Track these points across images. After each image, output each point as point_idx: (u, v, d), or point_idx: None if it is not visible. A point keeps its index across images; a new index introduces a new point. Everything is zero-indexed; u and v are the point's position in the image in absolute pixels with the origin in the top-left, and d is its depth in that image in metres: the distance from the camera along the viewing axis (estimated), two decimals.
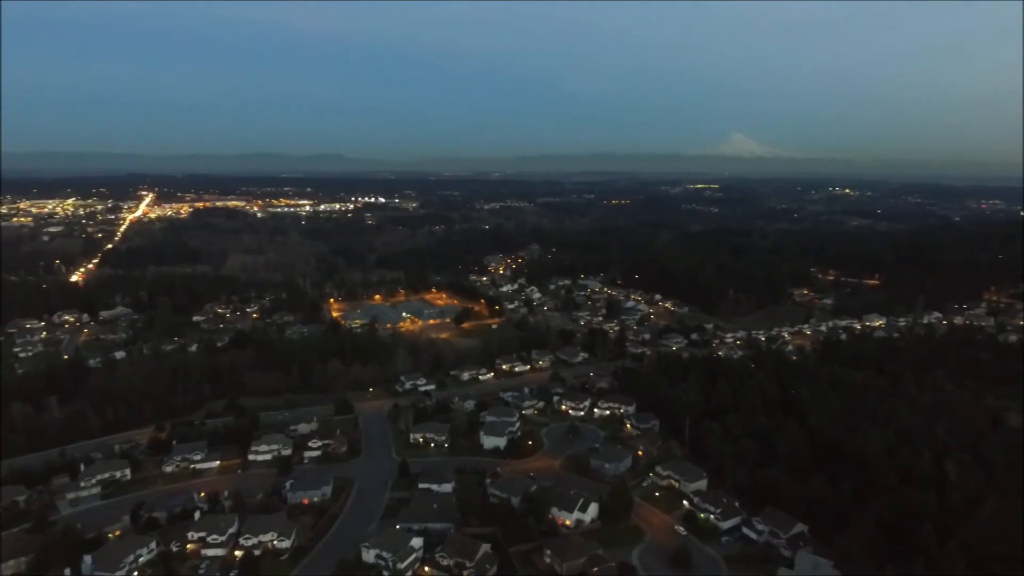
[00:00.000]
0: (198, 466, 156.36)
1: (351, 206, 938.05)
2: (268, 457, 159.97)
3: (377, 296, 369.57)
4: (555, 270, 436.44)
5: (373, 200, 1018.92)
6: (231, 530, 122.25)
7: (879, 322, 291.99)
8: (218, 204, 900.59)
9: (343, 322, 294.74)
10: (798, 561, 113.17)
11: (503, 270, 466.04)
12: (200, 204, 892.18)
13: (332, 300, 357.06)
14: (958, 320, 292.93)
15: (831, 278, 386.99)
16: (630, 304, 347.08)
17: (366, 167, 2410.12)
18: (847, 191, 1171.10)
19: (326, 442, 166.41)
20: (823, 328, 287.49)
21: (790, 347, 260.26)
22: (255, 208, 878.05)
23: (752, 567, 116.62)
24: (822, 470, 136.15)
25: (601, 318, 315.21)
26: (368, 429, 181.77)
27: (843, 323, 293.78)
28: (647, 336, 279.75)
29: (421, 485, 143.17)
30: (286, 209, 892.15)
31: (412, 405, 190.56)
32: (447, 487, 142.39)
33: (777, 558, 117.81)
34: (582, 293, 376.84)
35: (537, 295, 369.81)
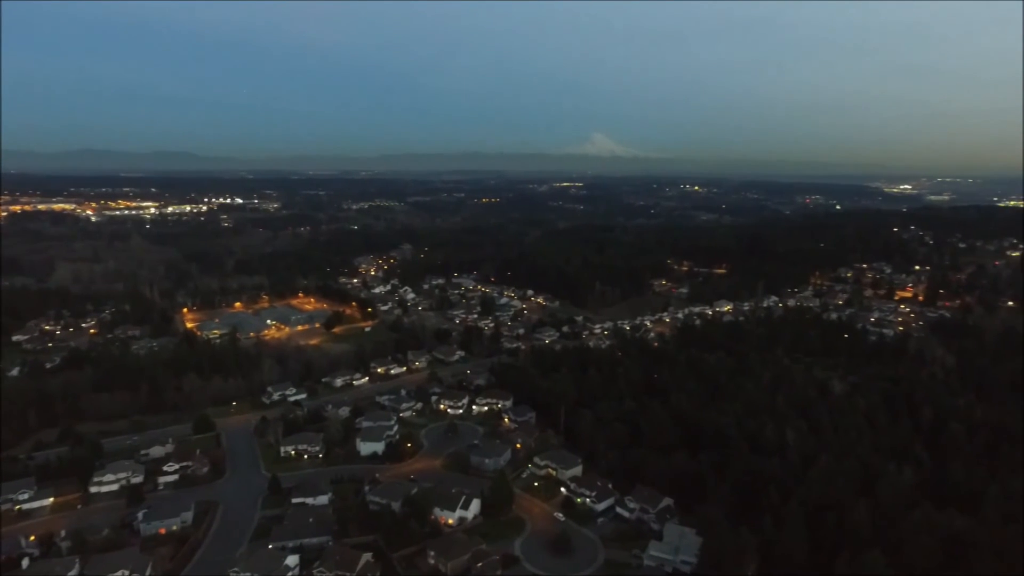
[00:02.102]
0: (25, 506, 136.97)
1: (204, 207, 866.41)
2: (115, 487, 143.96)
3: (238, 304, 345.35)
4: (428, 269, 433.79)
5: (229, 201, 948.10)
6: (71, 574, 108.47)
7: (727, 307, 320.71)
8: (40, 207, 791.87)
9: (199, 333, 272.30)
10: (666, 533, 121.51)
11: (375, 271, 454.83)
12: (17, 207, 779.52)
13: (186, 310, 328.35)
14: (791, 302, 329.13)
15: (685, 269, 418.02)
16: (504, 300, 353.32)
17: (220, 166, 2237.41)
18: (696, 188, 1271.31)
19: (184, 464, 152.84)
20: (680, 315, 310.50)
21: (652, 334, 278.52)
22: (88, 211, 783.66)
23: (626, 544, 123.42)
24: (684, 446, 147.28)
25: (476, 316, 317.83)
26: (233, 446, 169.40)
27: (697, 310, 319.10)
28: (521, 331, 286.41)
29: (295, 500, 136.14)
30: (127, 212, 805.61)
31: (281, 417, 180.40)
32: (323, 499, 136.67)
33: (648, 532, 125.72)
34: (456, 292, 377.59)
35: (411, 295, 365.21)
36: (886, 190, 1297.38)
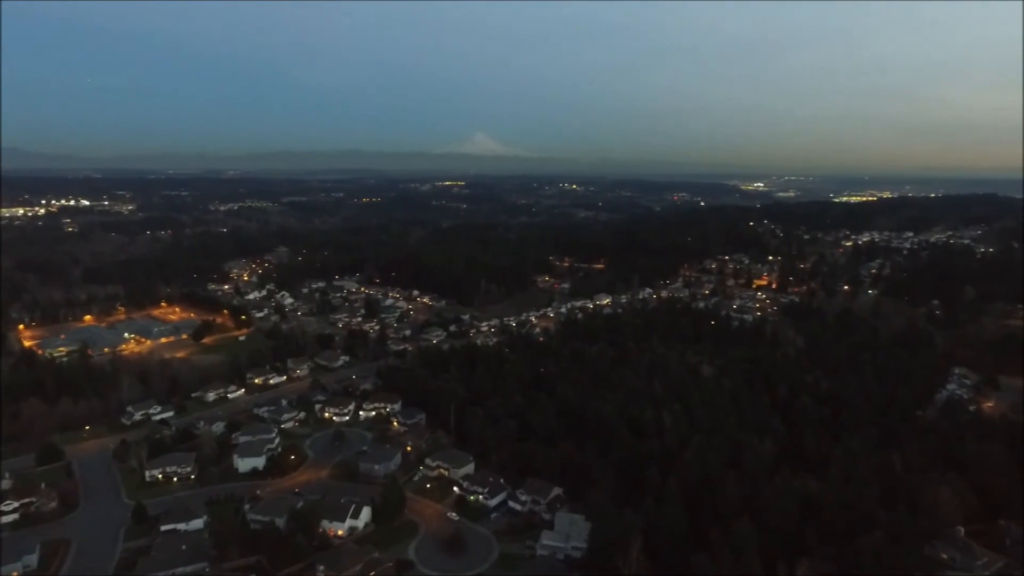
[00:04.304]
0: None
1: (41, 211, 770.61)
2: None
3: (88, 317, 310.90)
4: (307, 272, 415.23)
5: (73, 203, 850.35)
6: None
7: (606, 300, 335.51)
8: None
9: (41, 351, 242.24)
10: (557, 522, 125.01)
11: (248, 276, 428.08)
12: None
13: (22, 326, 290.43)
14: (664, 294, 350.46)
15: (567, 264, 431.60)
16: (389, 302, 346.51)
17: (59, 164, 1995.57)
18: (575, 187, 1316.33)
19: (26, 501, 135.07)
20: (563, 310, 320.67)
21: (537, 329, 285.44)
22: None
23: (519, 536, 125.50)
24: (570, 436, 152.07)
25: (360, 318, 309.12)
26: (87, 475, 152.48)
27: (579, 304, 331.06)
28: (408, 332, 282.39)
29: (164, 527, 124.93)
30: None
31: (145, 438, 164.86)
32: (198, 523, 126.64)
33: (540, 523, 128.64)
34: (338, 294, 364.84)
35: (289, 300, 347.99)
36: (742, 188, 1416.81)
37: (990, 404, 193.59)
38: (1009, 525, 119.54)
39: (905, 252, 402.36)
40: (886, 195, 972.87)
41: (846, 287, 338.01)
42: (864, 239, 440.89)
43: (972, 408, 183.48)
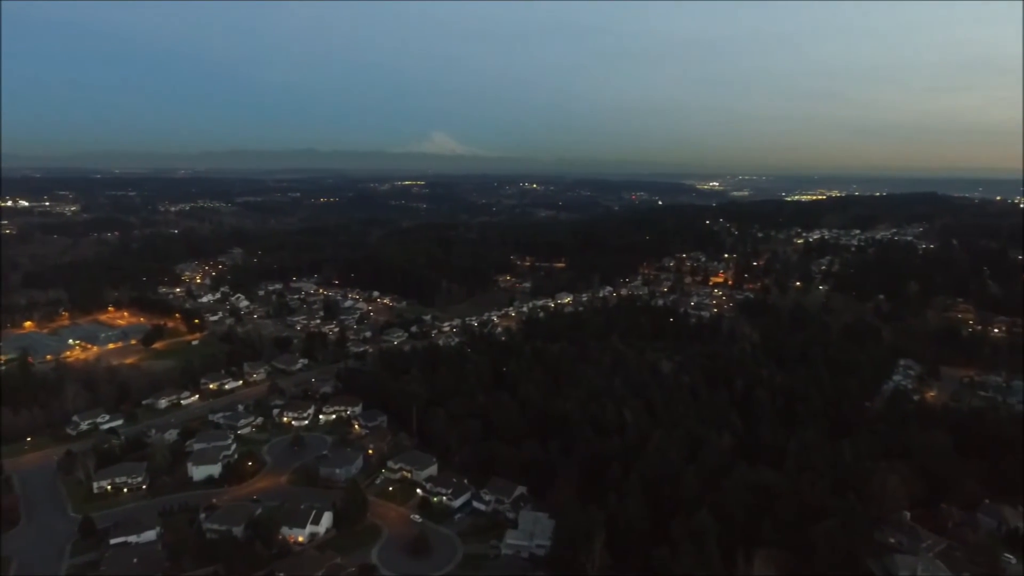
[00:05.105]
0: None
1: None
2: None
3: (28, 323, 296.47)
4: (263, 274, 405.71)
5: (11, 204, 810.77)
6: None
7: (568, 299, 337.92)
8: None
9: None
10: (521, 520, 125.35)
11: (201, 279, 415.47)
12: None
13: None
14: (623, 292, 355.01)
15: (528, 264, 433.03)
16: (348, 303, 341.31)
17: None
18: (535, 186, 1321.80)
19: None
20: (525, 309, 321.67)
21: (499, 329, 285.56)
22: None
23: (484, 536, 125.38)
24: (533, 434, 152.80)
25: (319, 320, 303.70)
26: (29, 489, 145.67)
27: (540, 303, 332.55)
28: (368, 334, 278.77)
29: (114, 540, 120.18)
30: None
31: (93, 448, 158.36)
32: (150, 535, 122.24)
33: (504, 522, 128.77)
34: (296, 296, 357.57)
35: (244, 303, 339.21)
36: (699, 187, 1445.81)
37: (932, 394, 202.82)
38: (951, 508, 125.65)
39: (853, 249, 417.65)
40: (835, 194, 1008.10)
41: (798, 283, 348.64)
42: (815, 237, 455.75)
43: (916, 398, 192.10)
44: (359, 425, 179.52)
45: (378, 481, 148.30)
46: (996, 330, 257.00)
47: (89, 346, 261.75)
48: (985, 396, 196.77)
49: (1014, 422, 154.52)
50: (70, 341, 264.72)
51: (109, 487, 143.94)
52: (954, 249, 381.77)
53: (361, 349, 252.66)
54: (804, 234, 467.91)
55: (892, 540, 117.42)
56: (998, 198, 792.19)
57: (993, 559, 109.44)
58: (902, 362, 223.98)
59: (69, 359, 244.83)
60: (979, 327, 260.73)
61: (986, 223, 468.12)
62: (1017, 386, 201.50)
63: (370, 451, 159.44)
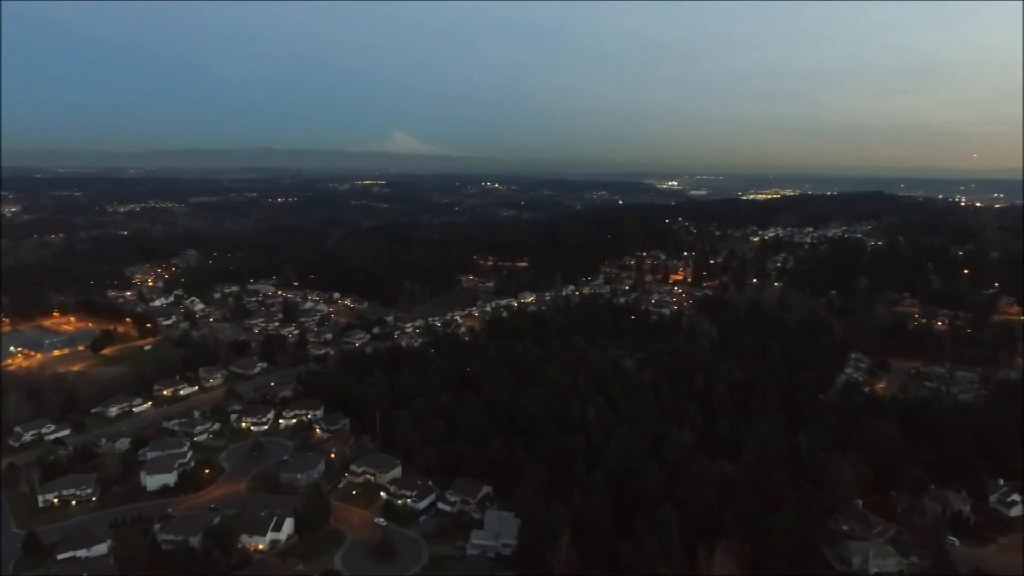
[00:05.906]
0: None
1: None
2: None
3: None
4: (219, 276, 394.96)
5: None
6: None
7: (531, 298, 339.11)
8: None
9: None
10: (487, 520, 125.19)
11: (153, 282, 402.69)
12: None
13: None
14: (586, 290, 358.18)
15: (491, 263, 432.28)
16: (308, 305, 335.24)
17: None
18: (497, 185, 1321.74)
19: None
20: (488, 308, 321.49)
21: (463, 329, 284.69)
22: None
23: (449, 537, 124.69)
24: (498, 434, 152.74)
25: (278, 323, 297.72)
26: None
27: (504, 302, 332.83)
28: (329, 336, 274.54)
29: (62, 555, 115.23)
30: None
31: (38, 460, 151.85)
32: (101, 548, 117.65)
33: (470, 523, 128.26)
34: (254, 299, 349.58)
35: (199, 306, 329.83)
36: (658, 186, 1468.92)
37: (882, 385, 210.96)
38: (900, 496, 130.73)
39: (806, 246, 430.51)
40: (789, 193, 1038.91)
41: (754, 280, 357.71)
42: (770, 235, 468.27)
43: (867, 390, 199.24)
44: (321, 429, 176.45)
45: (341, 485, 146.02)
46: (939, 323, 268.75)
47: (32, 353, 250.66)
48: (930, 387, 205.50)
49: (958, 411, 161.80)
50: (11, 348, 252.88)
51: (56, 500, 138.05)
52: (900, 246, 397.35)
53: (322, 351, 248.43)
54: (760, 232, 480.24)
55: (845, 527, 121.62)
56: (939, 196, 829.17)
57: (938, 542, 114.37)
58: (853, 355, 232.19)
59: (11, 367, 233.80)
60: (924, 320, 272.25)
61: (929, 221, 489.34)
62: (960, 376, 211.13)
63: (332, 455, 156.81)
